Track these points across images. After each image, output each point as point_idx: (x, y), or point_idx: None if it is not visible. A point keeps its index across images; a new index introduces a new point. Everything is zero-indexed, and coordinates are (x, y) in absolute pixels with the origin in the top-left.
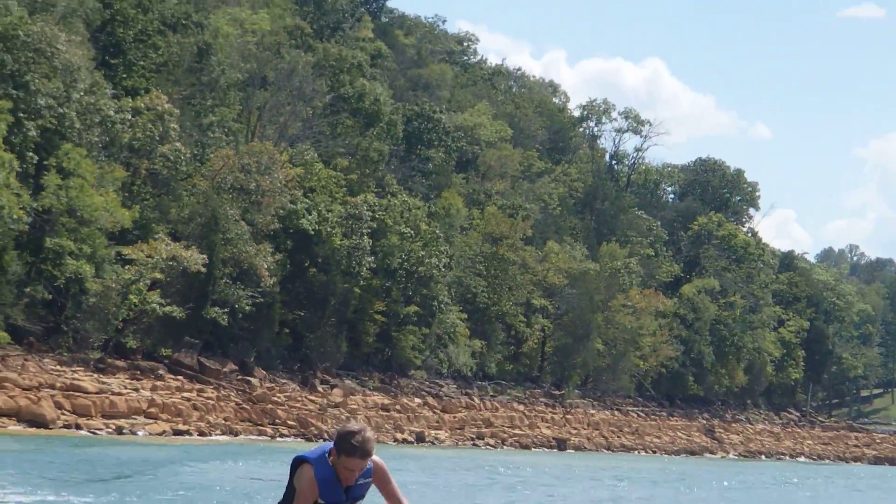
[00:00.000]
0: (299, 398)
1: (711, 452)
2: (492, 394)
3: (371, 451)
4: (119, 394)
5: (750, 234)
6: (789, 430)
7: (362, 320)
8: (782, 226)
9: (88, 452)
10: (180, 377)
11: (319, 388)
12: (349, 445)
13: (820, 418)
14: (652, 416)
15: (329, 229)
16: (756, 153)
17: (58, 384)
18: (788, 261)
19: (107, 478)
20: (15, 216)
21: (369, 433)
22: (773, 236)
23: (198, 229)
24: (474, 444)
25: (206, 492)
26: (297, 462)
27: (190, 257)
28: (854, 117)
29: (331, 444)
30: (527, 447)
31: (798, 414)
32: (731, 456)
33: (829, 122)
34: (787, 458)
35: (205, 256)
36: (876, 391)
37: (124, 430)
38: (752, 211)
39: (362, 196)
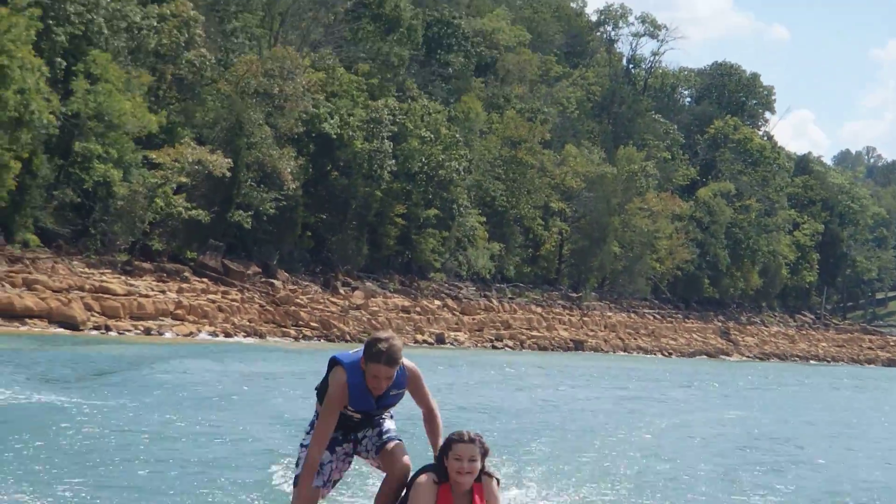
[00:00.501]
0: (321, 300)
1: (727, 354)
2: (510, 296)
3: (397, 359)
4: (146, 296)
5: (766, 138)
6: (804, 332)
7: (383, 223)
8: (800, 127)
9: (79, 350)
10: (205, 279)
11: (341, 291)
12: (375, 351)
13: (834, 321)
14: (668, 319)
15: (350, 133)
16: (773, 54)
17: (87, 286)
18: (804, 164)
19: (90, 375)
20: (45, 120)
21: (396, 341)
22: (790, 138)
23: (222, 134)
24: (493, 346)
25: (184, 388)
26: (333, 363)
27: (215, 161)
28: (872, 17)
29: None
30: (545, 349)
31: (812, 316)
32: (745, 358)
33: (846, 23)
34: (800, 360)
35: (229, 160)
36: (891, 294)
37: (152, 331)
38: (767, 114)
39: (383, 100)
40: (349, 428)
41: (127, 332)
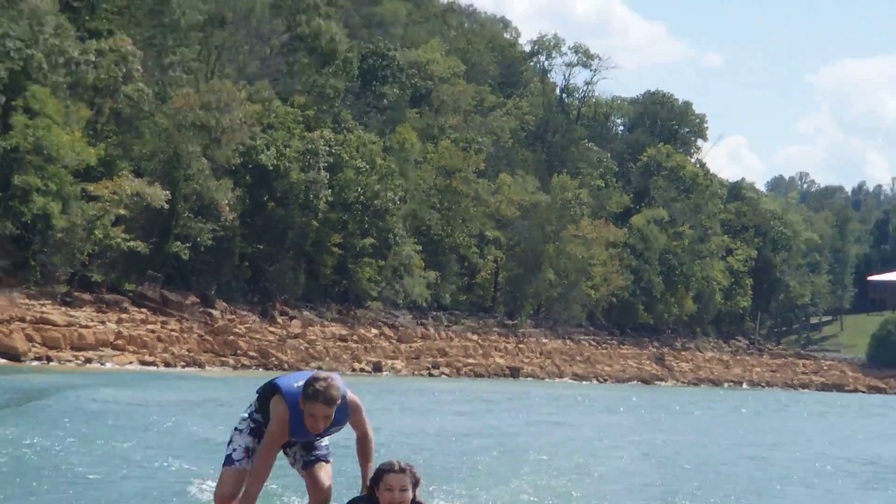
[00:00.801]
0: (259, 329)
1: (661, 380)
2: (446, 324)
3: (334, 398)
4: (86, 326)
5: (698, 165)
6: (738, 357)
7: (320, 253)
8: (735, 153)
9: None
10: (144, 310)
11: (279, 320)
12: (312, 392)
13: (768, 346)
14: (603, 345)
15: (287, 164)
16: (708, 81)
17: (28, 317)
18: (736, 191)
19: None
20: None
21: (336, 381)
22: (725, 163)
23: (160, 166)
24: (430, 374)
25: (95, 416)
26: (274, 390)
27: (153, 193)
28: (806, 43)
29: (299, 377)
30: (481, 376)
31: (747, 342)
32: (680, 383)
33: (780, 49)
34: (735, 385)
35: (167, 192)
36: (825, 318)
37: (93, 361)
38: (700, 142)
39: (319, 132)
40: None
41: (68, 363)
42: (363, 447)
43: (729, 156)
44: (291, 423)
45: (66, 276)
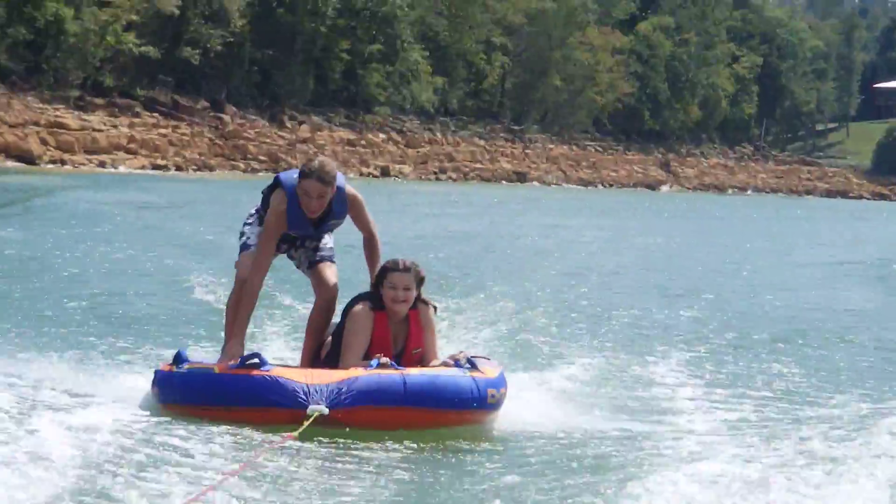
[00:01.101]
0: (269, 134)
1: (667, 185)
2: (453, 129)
3: (328, 174)
4: (99, 130)
5: None
6: (743, 164)
7: (328, 59)
8: None
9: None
10: (156, 114)
11: (288, 125)
12: (306, 169)
13: (774, 153)
14: (609, 151)
15: None
16: None
17: (42, 121)
18: None
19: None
20: None
21: (329, 161)
22: None
23: None
24: (437, 178)
25: (101, 216)
26: (276, 182)
27: None
28: None
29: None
30: (488, 181)
31: (752, 148)
32: (685, 189)
33: None
34: (739, 191)
35: None
36: (831, 125)
37: (106, 165)
38: None
39: None
40: (289, 240)
41: (81, 166)
42: (370, 248)
43: None
44: (289, 212)
45: (78, 80)
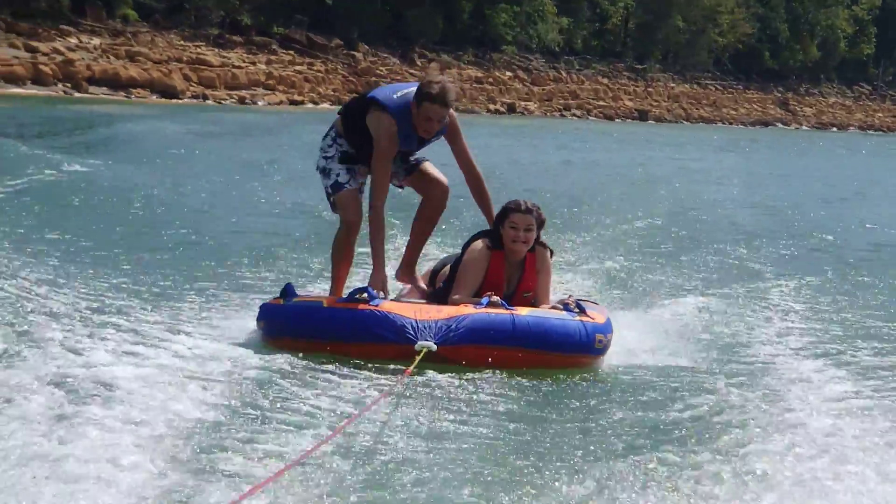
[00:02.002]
0: (400, 71)
1: (785, 124)
2: (577, 68)
3: (451, 99)
4: (239, 67)
5: None
6: (861, 103)
7: None
8: None
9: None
10: (291, 52)
11: (418, 63)
12: (428, 92)
13: (891, 92)
14: (729, 90)
15: None
16: None
17: (184, 58)
18: None
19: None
20: None
21: (449, 84)
22: None
23: None
24: (561, 115)
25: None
26: (373, 102)
27: None
28: None
29: (406, 89)
30: (610, 118)
31: (870, 88)
32: (804, 127)
33: None
34: (857, 129)
35: None
36: None
37: (246, 101)
38: None
39: None
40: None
41: (223, 101)
42: (477, 185)
43: None
44: (400, 133)
45: (217, 19)
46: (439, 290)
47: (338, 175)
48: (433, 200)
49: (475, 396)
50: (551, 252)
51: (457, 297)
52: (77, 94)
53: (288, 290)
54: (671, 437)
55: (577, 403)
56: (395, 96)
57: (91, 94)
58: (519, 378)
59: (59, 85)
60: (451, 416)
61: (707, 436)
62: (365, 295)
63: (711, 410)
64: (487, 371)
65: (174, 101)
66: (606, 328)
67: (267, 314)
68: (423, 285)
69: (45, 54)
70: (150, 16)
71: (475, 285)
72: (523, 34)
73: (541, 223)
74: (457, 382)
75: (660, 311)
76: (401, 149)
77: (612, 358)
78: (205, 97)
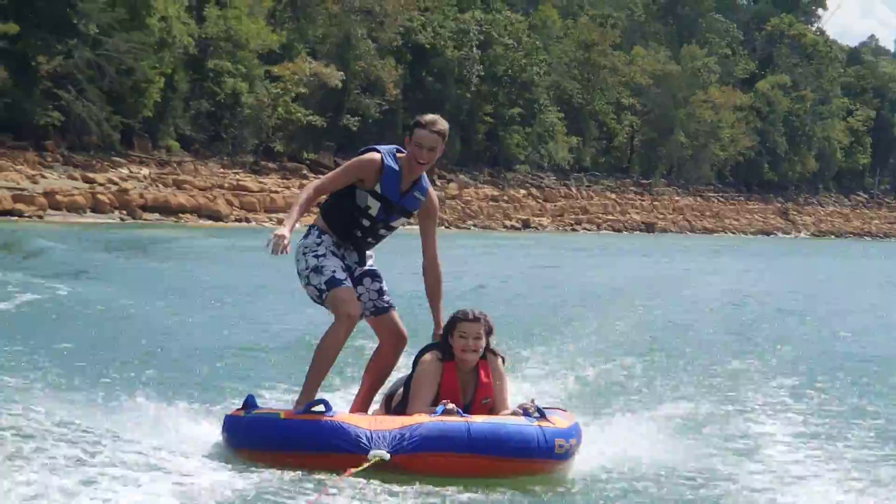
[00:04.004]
0: None
1: (785, 232)
2: (587, 184)
3: (442, 130)
4: (275, 191)
5: (818, 33)
6: (858, 211)
7: (473, 122)
8: (867, 6)
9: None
10: (321, 176)
11: (438, 182)
12: (420, 120)
13: (887, 200)
14: (731, 201)
15: (442, 43)
16: None
17: (226, 184)
18: (856, 55)
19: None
20: (184, 42)
21: (442, 119)
22: (857, 17)
23: (332, 48)
24: (573, 229)
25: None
26: (366, 151)
27: (329, 74)
28: None
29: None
30: (619, 231)
31: (866, 196)
32: (802, 235)
33: None
34: (855, 237)
35: (342, 73)
36: None
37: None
38: (820, 11)
39: (470, 13)
40: (353, 238)
41: (264, 223)
42: (433, 278)
43: (861, 9)
44: (385, 168)
45: (253, 147)
46: (395, 410)
47: (333, 271)
48: (389, 348)
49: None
50: (503, 359)
51: (412, 408)
52: (132, 220)
53: (249, 402)
54: None
55: None
56: (387, 147)
57: (145, 219)
58: (475, 487)
59: (116, 212)
60: None
61: None
62: (321, 407)
63: None
64: (442, 481)
65: (220, 223)
66: (569, 433)
67: (228, 426)
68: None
69: (101, 184)
70: (190, 146)
71: (430, 398)
72: (535, 154)
73: (489, 330)
74: (407, 492)
75: (646, 414)
76: (384, 196)
77: (581, 466)
78: (247, 220)
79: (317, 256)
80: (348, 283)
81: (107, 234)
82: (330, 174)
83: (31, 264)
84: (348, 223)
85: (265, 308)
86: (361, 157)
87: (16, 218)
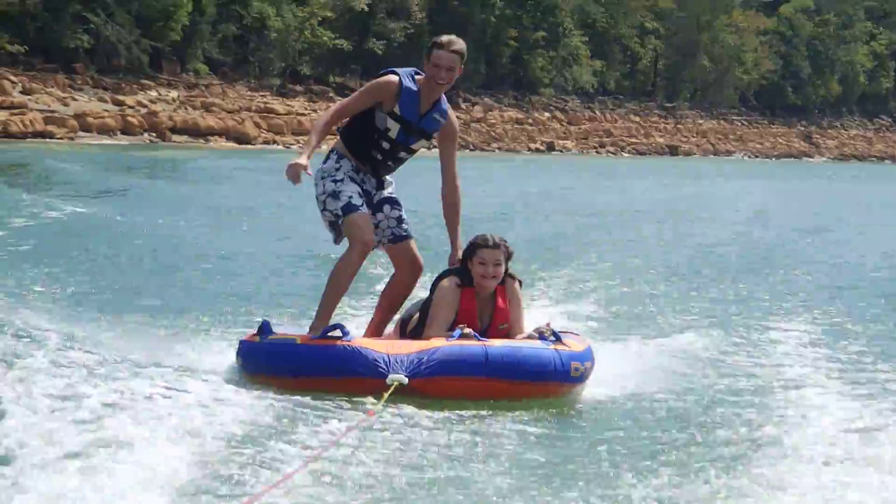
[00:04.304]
0: None
1: (809, 156)
2: (611, 107)
3: (459, 49)
4: (302, 114)
5: None
6: (881, 134)
7: (497, 46)
8: None
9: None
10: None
11: (462, 106)
12: (437, 41)
13: None
14: (754, 125)
15: None
16: None
17: (253, 107)
18: None
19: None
20: None
21: (460, 41)
22: None
23: None
24: (597, 152)
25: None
26: (384, 73)
27: None
28: None
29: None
30: (643, 154)
31: (890, 120)
32: (825, 159)
33: None
34: (878, 160)
35: None
36: None
37: None
38: None
39: None
40: (372, 161)
41: (290, 146)
42: (452, 202)
43: None
44: (403, 89)
45: (279, 70)
46: (411, 335)
47: (350, 197)
48: (405, 276)
49: (441, 432)
50: (520, 283)
51: (429, 333)
52: (162, 143)
53: (264, 327)
54: (657, 465)
55: (550, 436)
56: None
57: (174, 141)
58: (493, 410)
59: (146, 134)
60: (422, 452)
61: (693, 466)
62: (338, 332)
63: (694, 440)
64: (460, 404)
65: (247, 146)
66: (584, 356)
67: (244, 352)
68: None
69: (130, 107)
70: (218, 69)
71: (447, 322)
72: (559, 77)
73: (508, 256)
74: (430, 416)
75: (659, 340)
76: (404, 118)
77: (591, 391)
78: (274, 142)
79: (335, 181)
80: (365, 209)
81: (134, 155)
82: (348, 98)
83: (56, 185)
84: (368, 146)
85: (283, 231)
86: (379, 79)
87: (47, 140)
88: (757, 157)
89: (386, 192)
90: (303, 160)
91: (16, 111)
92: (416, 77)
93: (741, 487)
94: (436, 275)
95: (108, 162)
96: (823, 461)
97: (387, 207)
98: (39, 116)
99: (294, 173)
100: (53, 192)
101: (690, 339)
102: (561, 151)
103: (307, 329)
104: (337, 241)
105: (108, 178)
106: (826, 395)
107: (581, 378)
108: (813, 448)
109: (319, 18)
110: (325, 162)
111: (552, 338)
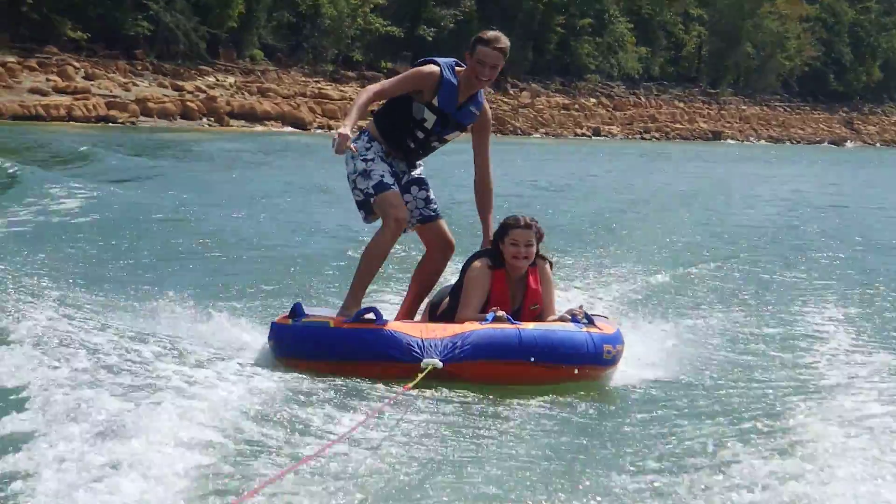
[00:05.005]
0: (494, 100)
1: (850, 141)
2: (656, 93)
3: (504, 47)
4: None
5: None
6: None
7: (544, 32)
8: None
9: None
10: None
11: (510, 91)
12: (482, 37)
13: None
14: (797, 111)
15: None
16: None
17: (307, 92)
18: None
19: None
20: None
21: (506, 38)
22: None
23: None
24: (642, 137)
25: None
26: (424, 62)
27: None
28: None
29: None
30: (686, 139)
31: None
32: (867, 144)
33: None
34: None
35: None
36: None
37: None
38: None
39: None
40: (405, 149)
41: None
42: (484, 191)
43: None
44: (443, 86)
45: (332, 56)
46: (440, 318)
47: (382, 175)
48: (436, 256)
49: (473, 416)
50: (551, 264)
51: (462, 315)
52: (220, 127)
53: (296, 310)
54: (686, 453)
55: (582, 420)
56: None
57: (231, 126)
58: (525, 394)
59: (204, 119)
60: (453, 434)
61: (723, 451)
62: (371, 315)
63: (722, 427)
64: (494, 387)
65: (302, 131)
66: (615, 339)
67: (276, 334)
68: None
69: (189, 92)
70: (273, 55)
71: (479, 304)
72: (605, 63)
73: (539, 237)
74: (463, 399)
75: (681, 324)
76: (441, 110)
77: (622, 376)
78: (329, 127)
79: (365, 160)
80: (396, 187)
81: (187, 138)
82: (388, 81)
83: (104, 170)
84: (402, 133)
85: (318, 213)
86: (421, 68)
87: (110, 123)
88: (799, 142)
89: (415, 174)
90: (346, 130)
91: (79, 96)
92: (457, 69)
93: (770, 476)
94: (466, 258)
95: (155, 145)
96: (868, 456)
97: (414, 188)
98: (102, 101)
99: (340, 143)
100: (98, 177)
101: (721, 323)
102: (606, 137)
103: (338, 309)
104: (367, 219)
105: (155, 162)
106: (863, 386)
107: (613, 360)
108: (857, 440)
109: (371, 5)
110: (355, 141)
111: (584, 320)
